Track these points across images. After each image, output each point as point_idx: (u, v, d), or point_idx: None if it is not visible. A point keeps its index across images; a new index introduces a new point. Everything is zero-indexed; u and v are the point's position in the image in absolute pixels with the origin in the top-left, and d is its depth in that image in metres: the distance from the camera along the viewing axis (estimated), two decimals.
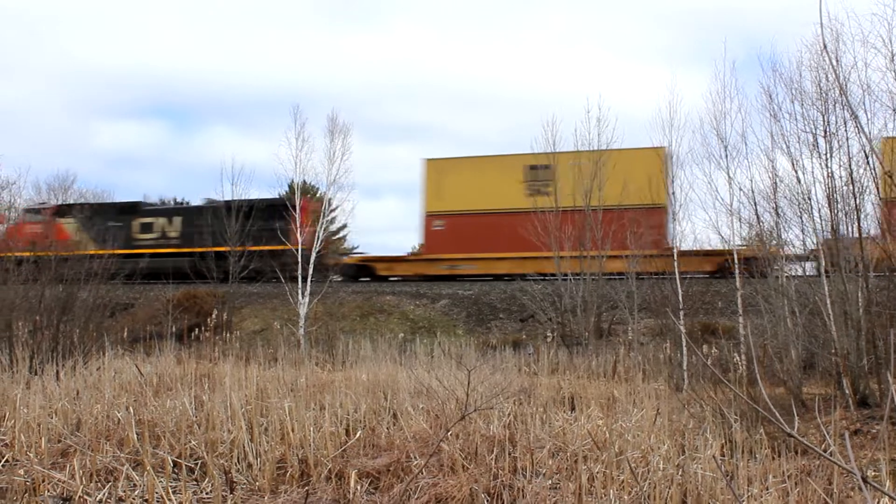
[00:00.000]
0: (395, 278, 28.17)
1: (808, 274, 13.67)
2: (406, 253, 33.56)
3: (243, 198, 25.57)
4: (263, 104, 76.83)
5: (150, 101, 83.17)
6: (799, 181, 11.79)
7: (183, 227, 28.60)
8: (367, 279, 28.15)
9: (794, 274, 13.93)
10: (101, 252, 16.09)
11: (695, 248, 19.19)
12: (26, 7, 69.83)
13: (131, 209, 29.83)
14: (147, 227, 29.00)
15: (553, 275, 20.71)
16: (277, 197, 27.33)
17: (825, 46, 9.14)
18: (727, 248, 16.00)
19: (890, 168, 9.63)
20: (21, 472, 6.82)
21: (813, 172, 11.51)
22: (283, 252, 23.49)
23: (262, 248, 24.77)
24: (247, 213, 24.68)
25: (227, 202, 25.30)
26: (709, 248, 18.06)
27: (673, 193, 17.23)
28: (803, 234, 12.40)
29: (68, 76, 76.67)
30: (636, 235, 21.68)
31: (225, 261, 24.08)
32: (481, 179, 26.07)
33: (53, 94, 77.99)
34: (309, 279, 21.83)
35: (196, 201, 30.24)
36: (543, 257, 21.14)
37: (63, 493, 6.47)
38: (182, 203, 30.79)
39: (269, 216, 25.65)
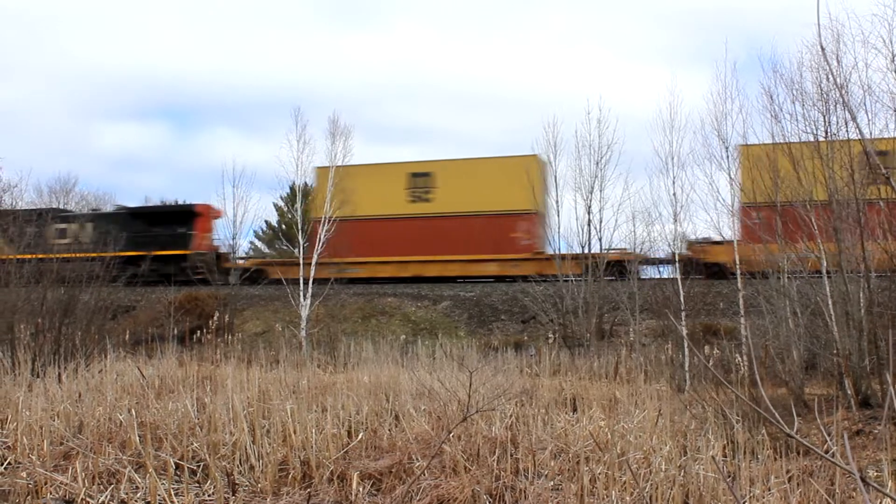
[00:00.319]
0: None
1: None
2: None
3: (151, 205, 27.06)
4: (265, 105, 76.93)
5: (152, 102, 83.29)
6: (800, 181, 11.79)
7: (94, 233, 29.62)
8: (266, 282, 28.79)
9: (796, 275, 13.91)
10: (17, 257, 16.38)
11: (562, 252, 20.32)
12: (27, 8, 70.03)
13: (47, 215, 31.21)
14: (62, 233, 29.85)
15: (437, 278, 21.28)
16: (183, 204, 28.99)
17: (823, 49, 9.15)
18: (591, 252, 17.20)
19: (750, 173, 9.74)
20: (23, 474, 6.83)
21: (814, 173, 11.52)
22: (184, 256, 24.50)
23: (163, 252, 25.95)
24: (154, 219, 25.72)
25: (134, 209, 26.55)
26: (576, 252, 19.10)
27: (550, 199, 18.02)
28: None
29: (70, 77, 76.81)
30: (509, 240, 23.08)
31: (136, 265, 25.08)
32: (368, 186, 26.90)
33: (55, 96, 78.11)
34: (311, 281, 21.86)
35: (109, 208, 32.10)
36: (426, 261, 21.84)
37: (65, 496, 6.47)
38: (96, 210, 32.58)
39: (173, 222, 26.65)
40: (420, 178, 26.65)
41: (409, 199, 26.70)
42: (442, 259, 20.97)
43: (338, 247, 24.36)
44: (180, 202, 30.08)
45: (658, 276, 26.69)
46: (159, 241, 27.04)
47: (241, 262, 29.13)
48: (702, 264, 24.29)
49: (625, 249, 26.68)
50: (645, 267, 26.59)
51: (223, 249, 27.68)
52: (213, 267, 23.85)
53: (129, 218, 28.25)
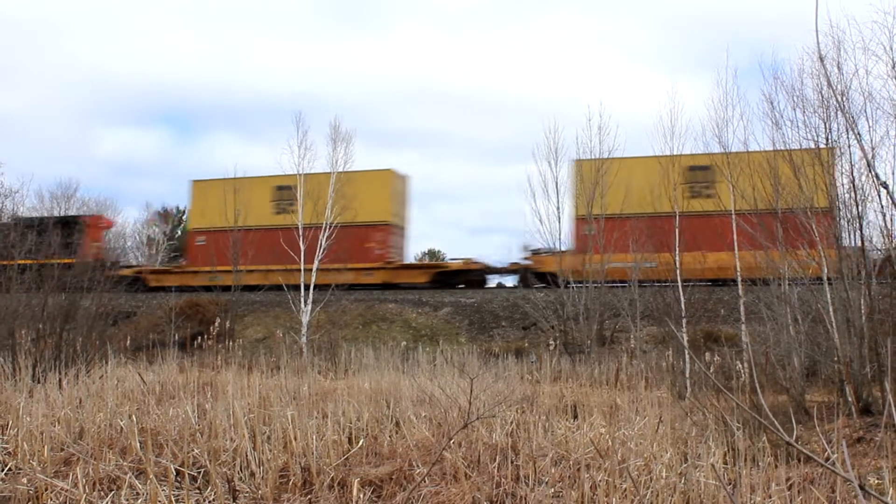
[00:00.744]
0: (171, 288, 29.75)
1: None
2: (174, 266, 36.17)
3: (43, 216, 27.62)
4: (267, 110, 77.16)
5: (153, 107, 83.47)
6: (801, 188, 11.80)
7: None
8: (147, 289, 29.52)
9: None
10: None
11: (412, 263, 21.08)
12: (28, 13, 70.18)
13: None
14: None
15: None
16: (73, 215, 29.77)
17: (822, 58, 9.16)
18: (439, 262, 18.14)
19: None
20: (24, 480, 6.83)
21: (815, 180, 11.53)
22: (69, 265, 25.55)
23: (50, 261, 27.05)
24: (45, 229, 26.56)
25: (27, 219, 27.73)
26: (426, 262, 20.15)
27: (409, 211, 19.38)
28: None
29: (71, 83, 77.00)
30: (364, 250, 24.94)
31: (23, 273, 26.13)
32: (238, 198, 28.06)
33: (56, 101, 78.33)
34: (311, 287, 21.90)
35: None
36: (287, 269, 22.91)
37: (66, 502, 6.47)
38: None
39: (63, 232, 27.68)
40: (284, 191, 28.15)
41: (274, 211, 28.53)
42: (301, 268, 22.06)
43: (210, 256, 25.26)
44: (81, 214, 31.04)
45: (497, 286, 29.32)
46: (49, 250, 28.02)
47: (123, 270, 30.15)
48: (534, 273, 26.14)
49: (469, 259, 28.76)
50: (490, 276, 28.43)
51: (112, 258, 28.55)
52: (97, 275, 24.91)
53: (22, 228, 29.32)
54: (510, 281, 29.52)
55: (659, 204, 19.41)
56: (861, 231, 10.50)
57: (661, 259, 20.48)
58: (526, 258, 27.31)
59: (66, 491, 6.54)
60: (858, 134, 10.14)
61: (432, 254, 27.31)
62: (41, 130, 74.67)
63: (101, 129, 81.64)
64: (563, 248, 23.64)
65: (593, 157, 22.05)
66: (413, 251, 34.00)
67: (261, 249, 26.76)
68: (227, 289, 24.28)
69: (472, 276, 27.42)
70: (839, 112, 10.86)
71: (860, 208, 10.73)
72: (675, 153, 18.60)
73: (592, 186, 22.33)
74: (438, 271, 27.10)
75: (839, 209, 11.05)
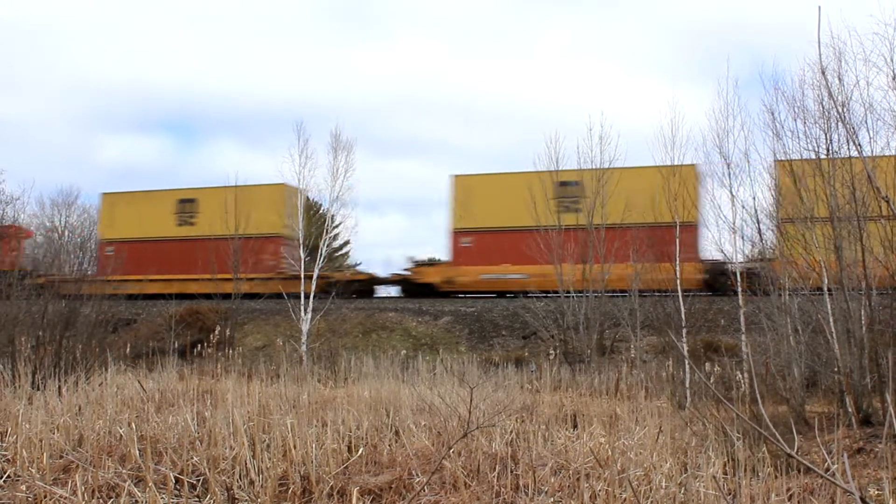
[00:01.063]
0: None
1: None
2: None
3: None
4: (269, 118, 77.17)
5: (155, 114, 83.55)
6: (801, 199, 11.82)
7: None
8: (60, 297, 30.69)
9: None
10: None
11: (298, 274, 23.57)
12: (30, 20, 70.39)
13: None
14: None
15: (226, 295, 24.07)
16: None
17: (823, 71, 9.19)
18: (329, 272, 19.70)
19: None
20: (23, 487, 6.82)
21: (815, 191, 11.55)
22: None
23: None
24: None
25: None
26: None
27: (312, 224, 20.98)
28: None
29: (72, 89, 77.15)
30: (258, 261, 26.68)
31: None
32: (142, 211, 29.79)
33: (57, 108, 78.51)
34: (312, 295, 21.95)
35: None
36: (187, 279, 23.86)
37: None
38: None
39: None
40: (186, 204, 29.79)
41: (176, 223, 29.75)
42: (200, 277, 22.79)
43: (117, 265, 26.00)
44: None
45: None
46: None
47: (39, 278, 31.16)
48: (414, 284, 27.65)
49: (356, 270, 30.92)
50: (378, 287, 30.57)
51: (30, 267, 29.23)
52: (12, 282, 25.74)
53: None
54: (394, 291, 30.85)
55: (527, 218, 21.66)
56: (861, 241, 10.51)
57: (530, 271, 23.35)
58: (406, 269, 28.69)
59: (65, 498, 6.53)
60: (859, 144, 10.17)
61: (431, 261, 27.87)
62: (42, 137, 74.93)
63: (102, 136, 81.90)
64: (440, 260, 25.21)
65: (595, 165, 22.11)
66: (415, 256, 34.46)
67: (163, 259, 28.30)
68: (227, 296, 24.55)
69: (358, 286, 28.32)
70: (840, 123, 10.90)
71: (860, 219, 10.75)
72: (547, 170, 21.00)
73: (466, 201, 23.69)
74: (326, 281, 28.34)
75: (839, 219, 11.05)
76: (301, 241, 23.59)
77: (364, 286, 29.21)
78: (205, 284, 23.44)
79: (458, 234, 25.99)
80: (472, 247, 26.13)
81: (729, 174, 15.04)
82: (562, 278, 20.46)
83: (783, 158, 12.61)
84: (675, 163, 19.18)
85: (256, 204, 26.95)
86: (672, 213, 16.35)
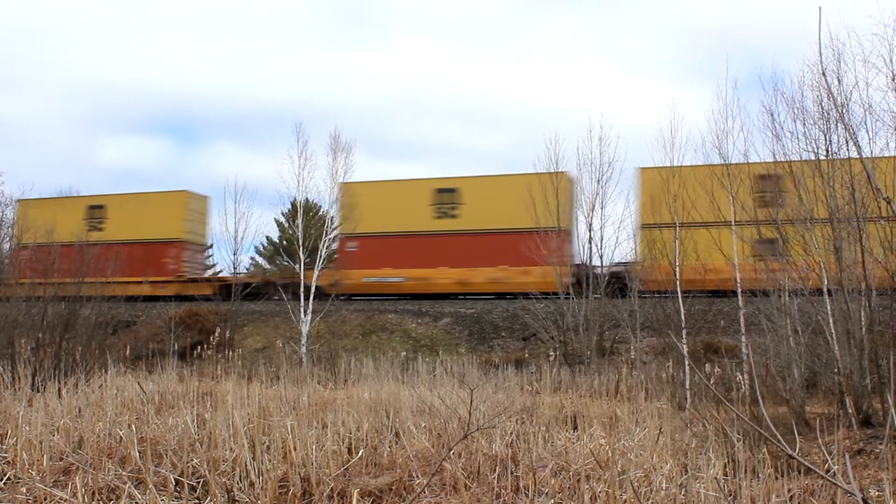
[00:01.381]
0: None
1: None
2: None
3: None
4: (269, 120, 77.05)
5: (155, 116, 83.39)
6: (801, 200, 11.82)
7: None
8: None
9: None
10: None
11: (200, 277, 25.55)
12: (31, 21, 70.39)
13: None
14: None
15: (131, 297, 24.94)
16: None
17: (823, 72, 9.20)
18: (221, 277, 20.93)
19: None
20: (23, 490, 6.82)
21: (815, 191, 11.55)
22: None
23: None
24: None
25: None
26: (211, 277, 24.39)
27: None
28: None
29: (72, 91, 77.04)
30: (159, 265, 28.58)
31: None
32: (55, 216, 30.30)
33: (57, 109, 78.36)
34: (311, 297, 21.96)
35: None
36: (95, 282, 24.80)
37: None
38: None
39: None
40: (95, 210, 31.07)
41: (86, 228, 30.43)
42: (107, 280, 23.51)
43: (37, 268, 26.76)
44: None
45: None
46: None
47: None
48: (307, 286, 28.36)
49: (252, 273, 32.13)
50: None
51: None
52: None
53: None
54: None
55: (410, 224, 22.94)
56: (861, 242, 10.51)
57: (408, 274, 25.51)
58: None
59: (65, 500, 6.53)
60: (858, 145, 10.17)
61: None
62: (42, 138, 74.80)
63: (102, 138, 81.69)
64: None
65: (593, 166, 22.18)
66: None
67: (73, 263, 29.09)
68: (227, 298, 24.63)
69: (253, 288, 28.87)
70: (839, 124, 10.90)
71: (860, 220, 10.75)
72: (426, 177, 22.51)
73: (352, 208, 24.79)
74: (221, 284, 28.91)
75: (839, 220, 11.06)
76: (301, 243, 23.54)
77: (256, 288, 29.79)
78: (111, 287, 24.13)
79: (344, 239, 27.03)
80: (357, 251, 27.50)
81: (728, 175, 14.97)
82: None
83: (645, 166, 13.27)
84: (552, 170, 21.85)
85: (160, 210, 28.97)
86: (536, 220, 17.65)
